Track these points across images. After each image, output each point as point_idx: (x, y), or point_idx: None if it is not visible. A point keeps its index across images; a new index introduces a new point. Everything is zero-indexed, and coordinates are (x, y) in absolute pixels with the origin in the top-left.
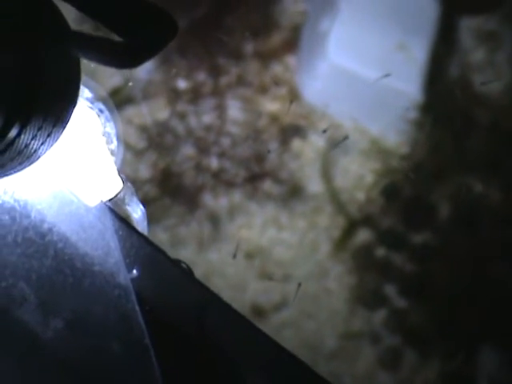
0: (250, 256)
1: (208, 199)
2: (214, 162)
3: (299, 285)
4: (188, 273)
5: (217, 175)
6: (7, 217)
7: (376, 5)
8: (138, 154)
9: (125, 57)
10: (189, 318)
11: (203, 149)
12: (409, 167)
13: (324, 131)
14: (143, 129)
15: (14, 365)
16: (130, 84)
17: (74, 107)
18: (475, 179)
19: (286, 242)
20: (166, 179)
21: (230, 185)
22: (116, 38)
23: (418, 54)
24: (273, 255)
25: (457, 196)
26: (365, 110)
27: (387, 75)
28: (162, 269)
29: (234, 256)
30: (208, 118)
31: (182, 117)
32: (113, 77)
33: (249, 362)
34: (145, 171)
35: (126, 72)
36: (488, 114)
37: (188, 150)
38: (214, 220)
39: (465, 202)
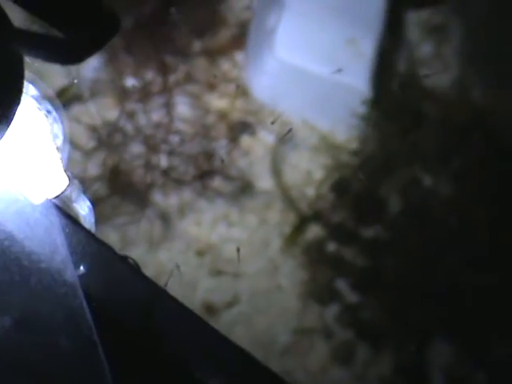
0: (200, 253)
1: (158, 197)
2: (163, 160)
3: (238, 249)
4: (135, 268)
5: (166, 173)
6: None
7: (322, 0)
8: (87, 153)
9: (67, 53)
10: (137, 314)
11: (152, 147)
12: (358, 162)
13: (272, 123)
14: (92, 128)
15: None
16: (76, 82)
17: (18, 105)
18: (424, 172)
19: (236, 239)
20: (115, 178)
21: (179, 182)
22: (59, 34)
23: (367, 48)
24: (223, 252)
25: (406, 189)
26: (314, 106)
27: (338, 71)
28: (110, 265)
29: (166, 284)
30: (157, 116)
31: (131, 115)
32: (59, 76)
33: (198, 357)
34: (94, 170)
35: (72, 70)
36: (436, 108)
37: (137, 148)
38: (165, 218)
39: (414, 195)
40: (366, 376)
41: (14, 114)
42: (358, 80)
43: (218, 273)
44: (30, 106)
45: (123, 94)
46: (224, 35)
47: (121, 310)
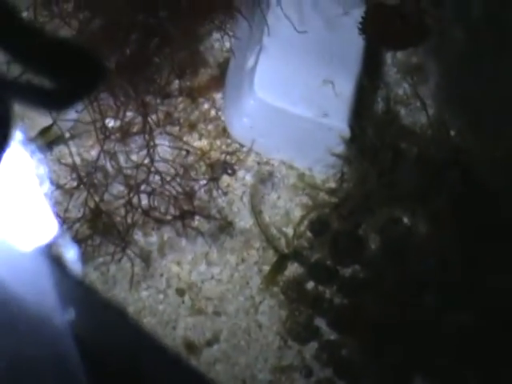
0: (180, 292)
1: (138, 237)
2: (143, 200)
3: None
4: (120, 312)
5: (147, 213)
6: None
7: (300, 41)
8: (68, 192)
9: (55, 100)
10: (124, 356)
11: (133, 187)
12: (337, 201)
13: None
14: (72, 168)
15: None
16: (58, 124)
17: (6, 150)
18: (403, 212)
19: (216, 278)
20: (95, 218)
21: (160, 222)
22: (43, 81)
23: (345, 89)
24: (203, 291)
25: (385, 229)
26: (292, 146)
27: (316, 111)
28: (97, 309)
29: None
30: (137, 157)
31: (111, 155)
32: (40, 116)
33: None
34: (75, 210)
35: (53, 112)
36: (413, 146)
37: (117, 189)
38: (145, 257)
39: (393, 234)
40: None
41: (1, 161)
42: (336, 120)
43: (198, 311)
44: (16, 150)
45: (103, 135)
46: (203, 76)
47: (107, 353)
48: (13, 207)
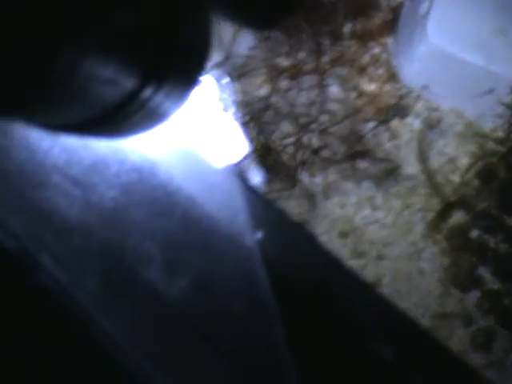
0: (343, 235)
1: (304, 177)
2: (314, 139)
3: None
4: (311, 236)
5: (316, 152)
6: (136, 176)
7: None
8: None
9: (262, 18)
10: (313, 282)
11: (303, 125)
12: (504, 151)
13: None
14: (244, 104)
15: (139, 322)
16: (230, 59)
17: (204, 68)
18: None
19: (379, 222)
20: (265, 155)
21: (328, 162)
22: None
23: None
24: (366, 234)
25: None
26: (462, 93)
27: (487, 59)
28: (286, 232)
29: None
30: (309, 95)
31: (283, 93)
32: (214, 51)
33: (370, 328)
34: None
35: (226, 46)
36: None
37: (288, 127)
38: (310, 198)
39: None
40: (505, 363)
41: (199, 79)
42: (507, 69)
43: (360, 254)
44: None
45: (276, 72)
46: (376, 19)
47: (296, 276)
48: (211, 129)
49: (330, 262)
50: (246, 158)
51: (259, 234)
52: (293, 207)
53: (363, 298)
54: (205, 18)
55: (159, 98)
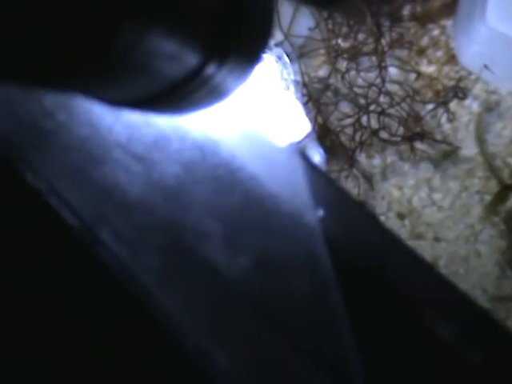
0: (401, 216)
1: (362, 159)
2: (373, 120)
3: None
4: (372, 215)
5: (375, 133)
6: (197, 154)
7: None
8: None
9: None
10: (373, 260)
11: (362, 106)
12: None
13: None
14: (303, 84)
15: (197, 299)
16: (289, 39)
17: (267, 45)
18: None
19: (437, 204)
20: (324, 135)
21: (387, 143)
22: None
23: None
24: (424, 216)
25: None
26: None
27: None
28: (347, 211)
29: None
30: (368, 76)
31: (342, 74)
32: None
33: (429, 308)
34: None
35: (286, 26)
36: None
37: (346, 108)
38: (368, 179)
39: None
40: None
41: (261, 55)
42: None
43: (417, 236)
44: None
45: (335, 53)
46: (435, 1)
47: (357, 255)
48: (273, 107)
49: (390, 242)
50: (307, 137)
51: (320, 213)
52: (351, 188)
53: (424, 277)
54: None
55: (222, 74)
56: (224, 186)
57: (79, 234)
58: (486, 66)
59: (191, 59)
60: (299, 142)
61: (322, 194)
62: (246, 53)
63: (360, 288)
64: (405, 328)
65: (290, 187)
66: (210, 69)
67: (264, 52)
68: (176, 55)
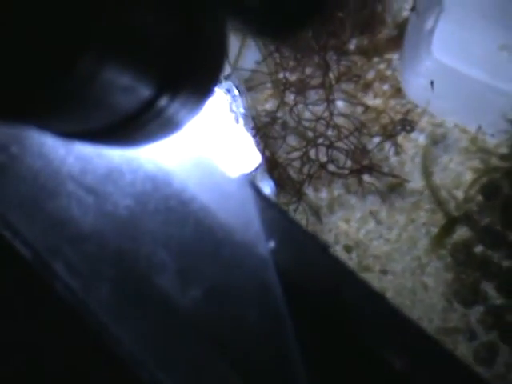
0: (348, 249)
1: (309, 192)
2: (321, 153)
3: None
4: (324, 246)
5: (324, 166)
6: (150, 185)
7: (480, 4)
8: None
9: (270, 32)
10: (325, 292)
11: (310, 140)
12: (508, 167)
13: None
14: (251, 117)
15: (151, 330)
16: (236, 72)
17: (219, 79)
18: None
19: (384, 237)
20: (272, 168)
21: (335, 176)
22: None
23: None
24: (371, 249)
25: None
26: (466, 109)
27: (491, 75)
28: (299, 242)
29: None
30: (316, 110)
31: (290, 107)
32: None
33: (383, 338)
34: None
35: (233, 60)
36: None
37: (294, 141)
38: (315, 212)
39: None
40: (507, 378)
41: (214, 89)
42: (510, 85)
43: (364, 268)
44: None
45: (282, 87)
46: (381, 35)
47: (308, 285)
48: (224, 139)
49: (340, 272)
50: (257, 168)
51: (272, 244)
52: (299, 220)
53: (378, 309)
54: (220, 29)
55: (175, 107)
56: (176, 217)
57: (32, 266)
58: (429, 100)
59: (144, 91)
60: (250, 174)
61: (273, 224)
62: (199, 86)
63: (310, 317)
64: (355, 355)
65: (242, 218)
66: (163, 101)
67: (216, 85)
68: (129, 87)
